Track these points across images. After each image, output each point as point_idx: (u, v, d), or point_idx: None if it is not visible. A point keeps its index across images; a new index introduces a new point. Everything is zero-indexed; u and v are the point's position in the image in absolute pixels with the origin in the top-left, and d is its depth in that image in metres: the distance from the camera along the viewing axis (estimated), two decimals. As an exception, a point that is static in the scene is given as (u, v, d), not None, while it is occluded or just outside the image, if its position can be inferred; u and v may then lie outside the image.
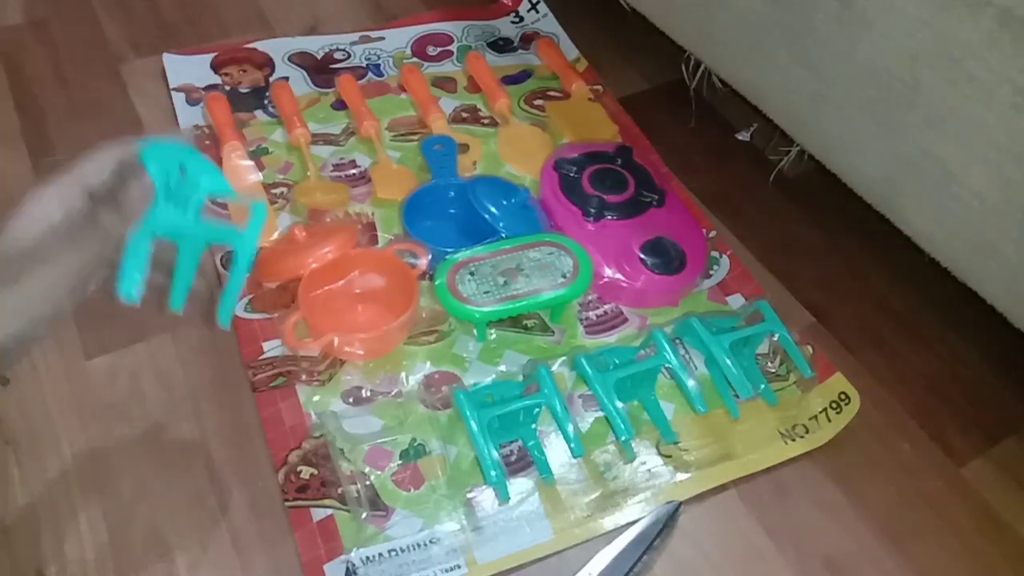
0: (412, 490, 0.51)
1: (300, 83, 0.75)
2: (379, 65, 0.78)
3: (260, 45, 0.78)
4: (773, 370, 0.58)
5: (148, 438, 0.53)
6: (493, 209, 0.61)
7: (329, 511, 0.49)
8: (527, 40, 0.82)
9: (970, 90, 0.44)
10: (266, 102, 0.73)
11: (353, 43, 0.80)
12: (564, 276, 0.58)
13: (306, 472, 0.51)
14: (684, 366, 0.55)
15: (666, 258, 0.60)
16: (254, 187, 0.65)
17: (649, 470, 0.53)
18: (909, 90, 0.48)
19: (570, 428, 0.51)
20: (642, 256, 0.60)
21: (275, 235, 0.62)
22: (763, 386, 0.57)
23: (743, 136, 0.76)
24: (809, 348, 0.59)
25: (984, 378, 0.60)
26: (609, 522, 0.51)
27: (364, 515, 0.49)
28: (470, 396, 0.52)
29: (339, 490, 0.50)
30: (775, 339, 0.58)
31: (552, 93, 0.76)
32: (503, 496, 0.50)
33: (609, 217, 0.62)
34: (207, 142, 0.69)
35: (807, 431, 0.55)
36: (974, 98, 0.44)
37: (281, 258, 0.58)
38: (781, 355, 0.59)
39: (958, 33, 0.44)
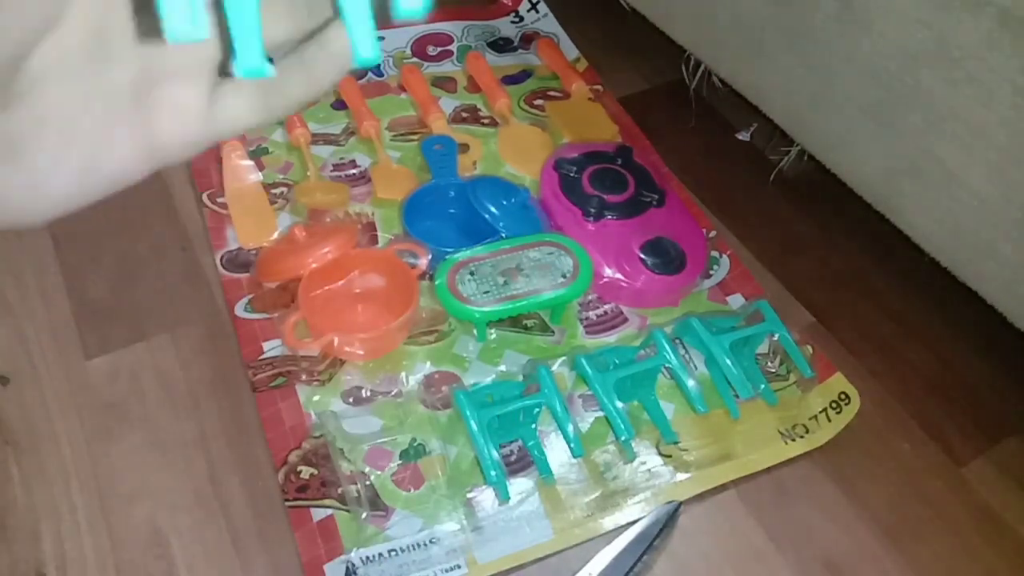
0: (412, 490, 0.51)
1: (300, 83, 0.75)
2: (379, 65, 0.78)
3: (260, 45, 0.78)
4: (773, 370, 0.58)
5: (148, 438, 0.53)
6: (493, 209, 0.61)
7: (329, 511, 0.49)
8: (527, 40, 0.82)
9: (970, 90, 0.44)
10: (266, 102, 0.73)
11: (353, 43, 0.80)
12: (564, 276, 0.58)
13: (306, 472, 0.51)
14: (684, 366, 0.55)
15: (666, 258, 0.60)
16: None
17: (649, 470, 0.53)
18: (909, 90, 0.48)
19: (570, 428, 0.51)
20: (642, 256, 0.60)
21: (275, 235, 0.63)
22: (763, 386, 0.57)
23: (743, 136, 0.76)
24: (809, 348, 0.59)
25: (984, 378, 0.60)
26: (609, 522, 0.51)
27: (364, 515, 0.49)
28: (470, 396, 0.52)
29: (339, 490, 0.50)
30: (775, 339, 0.58)
31: (552, 93, 0.76)
32: (503, 496, 0.50)
33: (609, 217, 0.62)
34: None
35: (807, 431, 0.55)
36: (974, 98, 0.44)
37: (281, 258, 0.58)
38: (781, 355, 0.59)
39: (958, 33, 0.44)
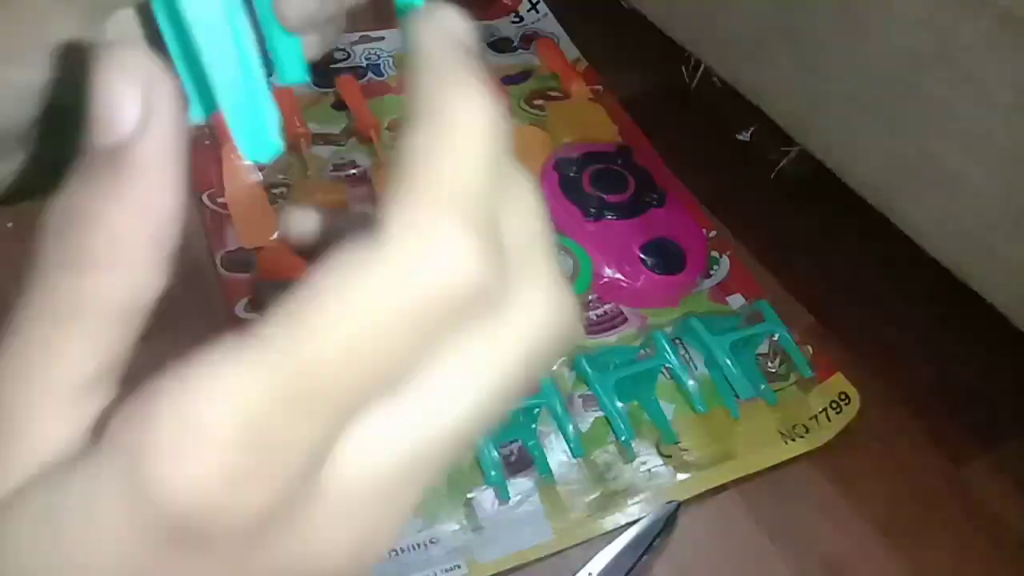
0: (412, 490, 0.51)
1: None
2: (379, 65, 0.78)
3: (260, 45, 0.78)
4: (773, 370, 0.58)
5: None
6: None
7: (329, 511, 0.49)
8: (527, 40, 0.82)
9: (970, 90, 0.44)
10: (266, 102, 0.73)
11: (353, 43, 0.80)
12: (564, 276, 0.57)
13: (306, 472, 0.51)
14: (684, 366, 0.55)
15: (666, 258, 0.60)
16: None
17: (649, 470, 0.53)
18: (909, 90, 0.48)
19: (570, 428, 0.51)
20: (642, 256, 0.60)
21: (275, 235, 0.63)
22: (763, 386, 0.57)
23: (743, 136, 0.76)
24: (809, 348, 0.59)
25: (984, 378, 0.60)
26: (609, 522, 0.51)
27: (364, 515, 0.49)
28: (470, 396, 0.52)
29: (339, 490, 0.50)
30: (775, 339, 0.58)
31: (552, 93, 0.76)
32: (503, 496, 0.50)
33: (609, 217, 0.62)
34: (207, 142, 0.69)
35: (807, 431, 0.55)
36: (974, 98, 0.44)
37: (281, 258, 0.58)
38: (781, 355, 0.59)
39: (958, 33, 0.44)
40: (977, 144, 0.45)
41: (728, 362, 0.54)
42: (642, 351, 0.57)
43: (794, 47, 0.55)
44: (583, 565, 0.48)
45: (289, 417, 0.13)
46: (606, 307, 0.61)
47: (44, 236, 0.15)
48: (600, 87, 0.78)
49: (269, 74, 0.17)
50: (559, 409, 0.51)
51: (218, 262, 0.60)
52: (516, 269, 0.16)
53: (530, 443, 0.53)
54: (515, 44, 0.82)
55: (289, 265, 0.58)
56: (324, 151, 0.69)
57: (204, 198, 0.65)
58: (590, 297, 0.61)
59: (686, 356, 0.58)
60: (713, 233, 0.67)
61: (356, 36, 0.80)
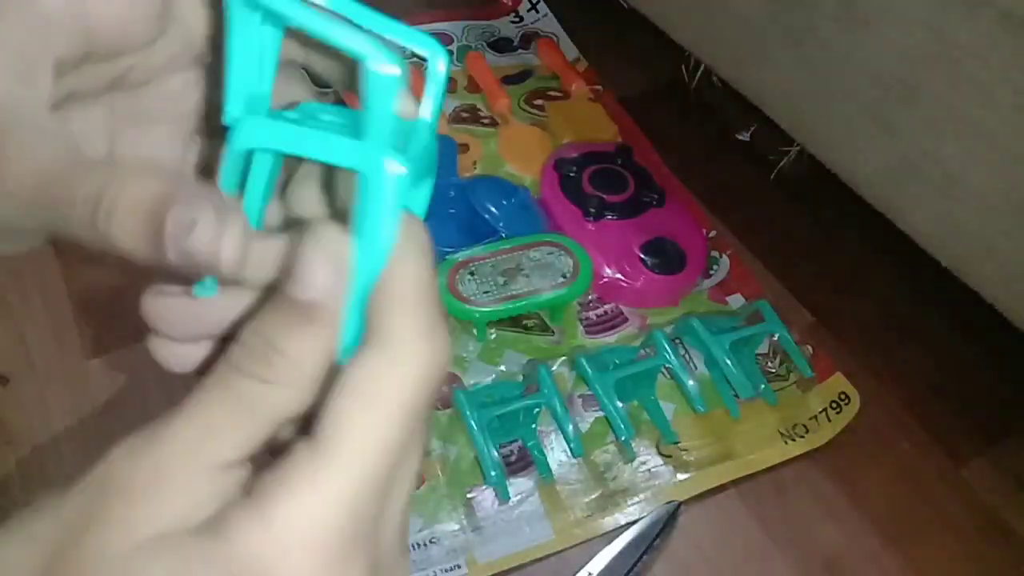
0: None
1: (300, 83, 0.75)
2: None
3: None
4: (773, 370, 0.58)
5: (148, 438, 0.53)
6: (493, 209, 0.61)
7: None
8: (527, 40, 0.82)
9: (970, 90, 0.44)
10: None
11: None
12: (564, 276, 0.58)
13: (306, 472, 0.51)
14: (684, 366, 0.55)
15: (666, 258, 0.60)
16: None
17: (649, 470, 0.53)
18: (909, 90, 0.48)
19: (570, 428, 0.51)
20: (642, 256, 0.60)
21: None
22: (763, 386, 0.57)
23: (743, 136, 0.76)
24: (809, 348, 0.59)
25: (984, 378, 0.60)
26: (609, 522, 0.51)
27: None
28: (470, 396, 0.52)
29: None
30: (775, 339, 0.58)
31: (552, 93, 0.76)
32: (503, 496, 0.50)
33: (609, 217, 0.62)
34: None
35: (807, 431, 0.55)
36: (974, 98, 0.44)
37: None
38: (781, 355, 0.59)
39: (958, 33, 0.44)
40: (977, 144, 0.45)
41: (728, 362, 0.54)
42: (642, 351, 0.57)
43: (794, 47, 0.55)
44: (583, 565, 0.48)
45: (377, 501, 0.19)
46: (606, 307, 0.61)
47: (234, 347, 0.19)
48: (600, 87, 0.78)
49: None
50: (559, 409, 0.51)
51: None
52: None
53: (530, 443, 0.53)
54: (515, 44, 0.82)
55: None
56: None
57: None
58: (590, 297, 0.61)
59: (686, 356, 0.58)
60: (713, 233, 0.67)
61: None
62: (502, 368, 0.57)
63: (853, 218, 0.62)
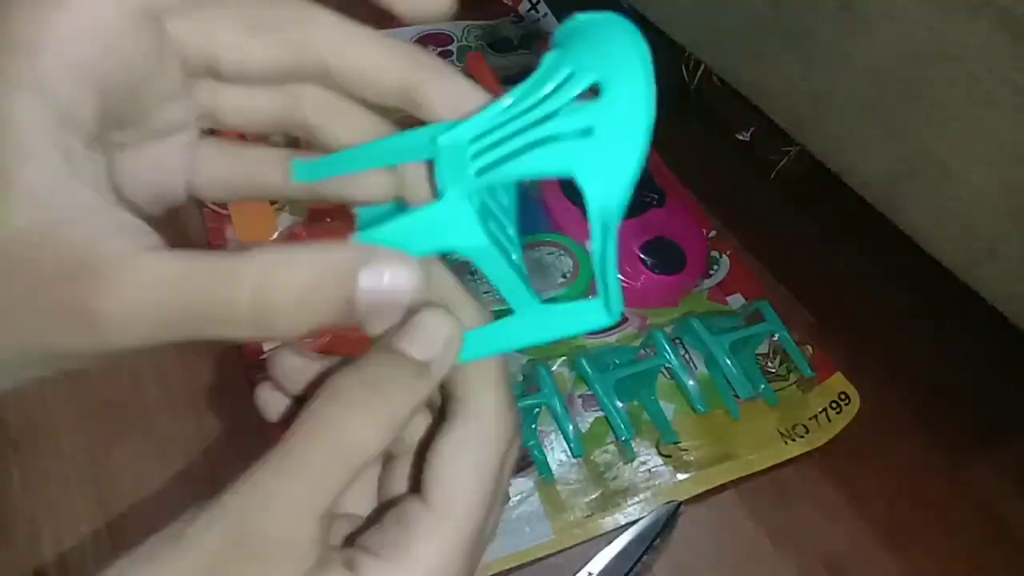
0: (412, 490, 0.51)
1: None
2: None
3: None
4: (773, 370, 0.58)
5: (148, 438, 0.53)
6: (493, 209, 0.61)
7: (329, 511, 0.49)
8: (527, 40, 0.82)
9: (970, 90, 0.44)
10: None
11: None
12: (564, 276, 0.58)
13: (306, 472, 0.51)
14: (684, 366, 0.55)
15: (666, 258, 0.60)
16: None
17: (649, 470, 0.53)
18: (909, 90, 0.48)
19: (570, 428, 0.51)
20: (642, 256, 0.60)
21: (275, 235, 0.63)
22: (763, 386, 0.57)
23: (743, 136, 0.76)
24: (809, 348, 0.59)
25: (984, 378, 0.60)
26: (609, 522, 0.51)
27: (364, 515, 0.49)
28: (470, 396, 0.52)
29: (339, 490, 0.50)
30: (775, 339, 0.58)
31: (552, 93, 0.76)
32: (503, 496, 0.50)
33: (609, 217, 0.62)
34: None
35: (807, 431, 0.55)
36: (974, 98, 0.44)
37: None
38: (781, 355, 0.59)
39: (958, 33, 0.44)
40: (977, 144, 0.45)
41: (728, 362, 0.54)
42: (642, 351, 0.57)
43: (794, 47, 0.55)
44: (583, 565, 0.48)
45: (480, 548, 0.24)
46: (606, 307, 0.61)
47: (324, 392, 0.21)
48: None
49: None
50: (559, 409, 0.51)
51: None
52: None
53: (530, 443, 0.53)
54: (515, 44, 0.82)
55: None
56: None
57: (204, 198, 0.65)
58: (590, 297, 0.61)
59: (686, 356, 0.58)
60: (713, 233, 0.67)
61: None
62: (502, 368, 0.57)
63: (853, 218, 0.62)
